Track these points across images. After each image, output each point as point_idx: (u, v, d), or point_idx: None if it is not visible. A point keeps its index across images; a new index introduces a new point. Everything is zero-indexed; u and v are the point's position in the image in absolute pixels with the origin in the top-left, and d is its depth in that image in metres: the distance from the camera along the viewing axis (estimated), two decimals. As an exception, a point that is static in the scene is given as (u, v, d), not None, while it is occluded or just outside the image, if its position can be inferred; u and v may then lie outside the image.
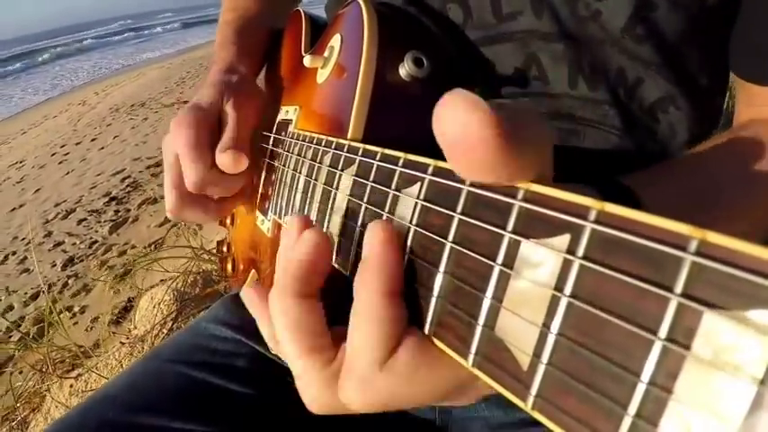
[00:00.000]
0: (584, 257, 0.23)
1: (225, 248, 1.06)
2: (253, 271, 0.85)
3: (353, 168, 0.44)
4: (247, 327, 0.81)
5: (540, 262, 0.25)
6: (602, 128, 0.64)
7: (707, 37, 0.62)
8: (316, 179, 0.53)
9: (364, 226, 0.39)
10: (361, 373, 0.34)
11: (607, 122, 0.64)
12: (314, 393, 0.39)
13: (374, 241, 0.35)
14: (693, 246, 0.19)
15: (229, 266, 1.00)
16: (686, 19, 0.59)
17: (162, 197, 4.18)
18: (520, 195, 0.27)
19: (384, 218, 0.38)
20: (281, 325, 0.38)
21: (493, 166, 0.26)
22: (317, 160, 0.53)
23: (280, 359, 0.77)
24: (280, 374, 0.77)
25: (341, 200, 0.45)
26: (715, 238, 0.19)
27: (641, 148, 0.65)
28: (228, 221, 1.05)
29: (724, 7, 0.59)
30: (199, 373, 0.76)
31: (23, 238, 4.56)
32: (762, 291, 0.17)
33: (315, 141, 0.56)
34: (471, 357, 0.29)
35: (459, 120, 0.26)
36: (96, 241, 4.02)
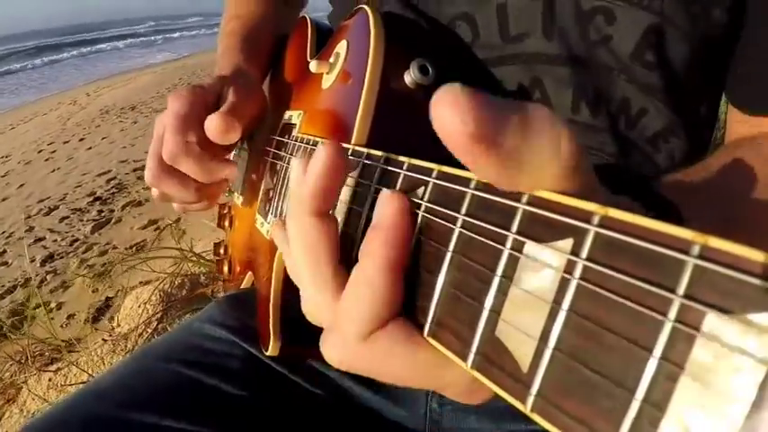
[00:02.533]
0: (587, 261, 0.23)
1: (222, 251, 1.06)
2: (249, 273, 0.85)
3: (356, 172, 0.44)
4: (242, 328, 0.81)
5: (543, 265, 0.25)
6: (598, 154, 0.65)
7: (709, 66, 0.63)
8: None
9: (365, 230, 0.39)
10: (344, 336, 0.35)
11: (604, 150, 0.64)
12: (320, 318, 0.41)
13: (386, 209, 0.35)
14: (696, 250, 0.20)
15: (226, 268, 1.00)
16: (692, 46, 0.60)
17: (147, 200, 4.19)
18: (524, 199, 0.27)
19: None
20: (299, 246, 0.39)
21: (475, 155, 0.26)
22: None
23: (274, 362, 0.77)
24: (273, 377, 0.77)
25: (343, 202, 0.45)
26: (717, 242, 0.19)
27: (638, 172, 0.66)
28: (227, 224, 1.05)
29: (727, 36, 0.60)
30: (191, 372, 0.75)
31: (4, 232, 4.51)
32: (763, 294, 0.18)
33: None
34: (471, 358, 0.29)
35: (446, 118, 0.25)
36: (77, 239, 3.98)
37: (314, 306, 0.41)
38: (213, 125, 0.69)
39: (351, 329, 0.34)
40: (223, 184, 0.79)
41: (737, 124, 0.65)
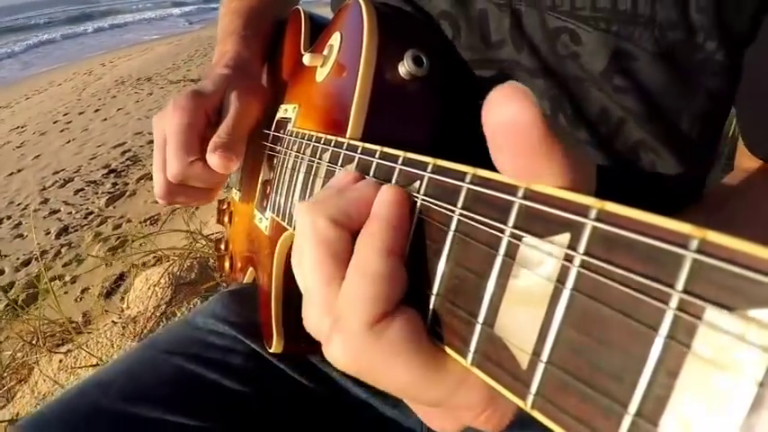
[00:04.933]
0: (585, 256, 0.23)
1: (223, 246, 1.06)
2: (251, 268, 0.86)
3: (353, 166, 0.44)
4: (244, 324, 0.82)
5: (541, 260, 0.25)
6: None
7: (700, 90, 0.61)
8: (315, 176, 0.53)
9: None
10: (349, 327, 0.33)
11: None
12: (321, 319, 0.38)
13: (383, 199, 0.35)
14: (694, 245, 0.19)
15: (227, 264, 1.00)
16: (670, 72, 0.58)
17: (160, 173, 4.21)
18: (520, 193, 0.27)
19: None
20: (310, 240, 0.36)
21: (537, 154, 0.26)
22: (316, 158, 0.53)
23: (275, 358, 0.78)
24: (274, 373, 0.78)
25: None
26: (716, 237, 0.19)
27: (623, 183, 0.64)
28: (226, 219, 1.05)
29: (713, 64, 0.58)
30: (194, 367, 0.76)
31: (19, 204, 4.56)
32: (763, 290, 0.17)
33: (314, 139, 0.56)
34: (470, 356, 0.29)
35: (511, 107, 0.26)
36: (92, 212, 4.02)
37: (321, 301, 0.37)
38: (214, 162, 0.69)
39: (357, 316, 0.33)
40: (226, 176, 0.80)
41: (747, 159, 0.64)
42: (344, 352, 0.34)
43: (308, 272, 0.37)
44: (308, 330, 0.40)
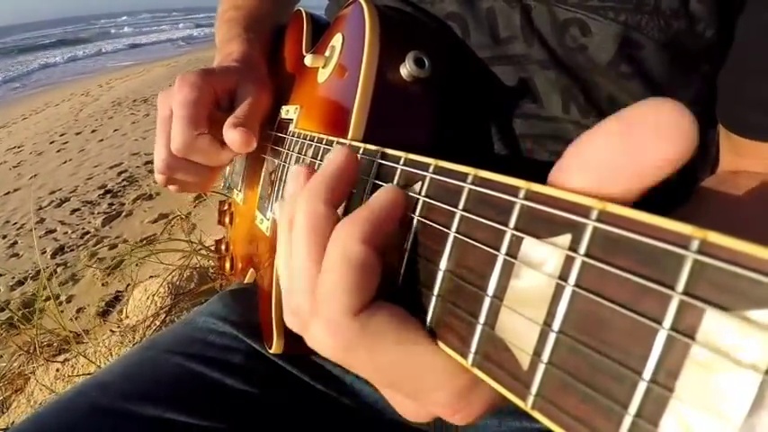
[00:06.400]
0: (586, 257, 0.23)
1: (223, 248, 1.06)
2: (251, 270, 0.85)
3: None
4: (244, 323, 0.81)
5: (542, 261, 0.25)
6: None
7: (698, 76, 0.62)
8: None
9: None
10: (330, 315, 0.34)
11: None
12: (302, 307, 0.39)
13: (381, 196, 0.35)
14: (695, 245, 0.19)
15: (228, 265, 1.00)
16: (674, 59, 0.60)
17: (158, 193, 4.20)
18: (521, 194, 0.27)
19: None
20: (303, 224, 0.38)
21: (660, 161, 0.24)
22: (318, 159, 0.54)
23: (276, 357, 0.77)
24: (275, 372, 0.77)
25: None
26: (716, 237, 0.19)
27: None
28: (227, 220, 1.05)
29: (715, 50, 0.59)
30: (195, 366, 0.75)
31: (15, 223, 4.54)
32: (763, 290, 0.17)
33: (315, 140, 0.56)
34: (471, 357, 0.29)
35: (689, 128, 0.23)
36: (88, 232, 4.00)
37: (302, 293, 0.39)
38: (235, 138, 0.68)
39: (337, 304, 0.33)
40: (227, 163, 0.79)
41: (729, 156, 0.64)
42: (328, 335, 0.34)
43: (299, 254, 0.38)
44: (288, 314, 0.41)
